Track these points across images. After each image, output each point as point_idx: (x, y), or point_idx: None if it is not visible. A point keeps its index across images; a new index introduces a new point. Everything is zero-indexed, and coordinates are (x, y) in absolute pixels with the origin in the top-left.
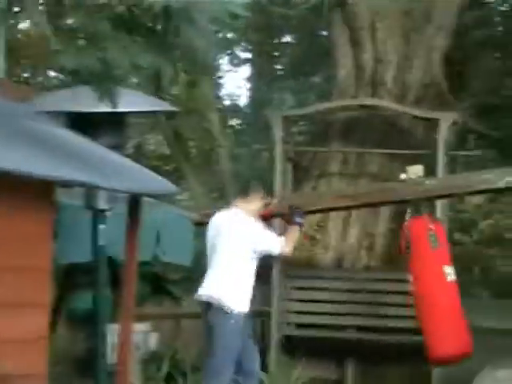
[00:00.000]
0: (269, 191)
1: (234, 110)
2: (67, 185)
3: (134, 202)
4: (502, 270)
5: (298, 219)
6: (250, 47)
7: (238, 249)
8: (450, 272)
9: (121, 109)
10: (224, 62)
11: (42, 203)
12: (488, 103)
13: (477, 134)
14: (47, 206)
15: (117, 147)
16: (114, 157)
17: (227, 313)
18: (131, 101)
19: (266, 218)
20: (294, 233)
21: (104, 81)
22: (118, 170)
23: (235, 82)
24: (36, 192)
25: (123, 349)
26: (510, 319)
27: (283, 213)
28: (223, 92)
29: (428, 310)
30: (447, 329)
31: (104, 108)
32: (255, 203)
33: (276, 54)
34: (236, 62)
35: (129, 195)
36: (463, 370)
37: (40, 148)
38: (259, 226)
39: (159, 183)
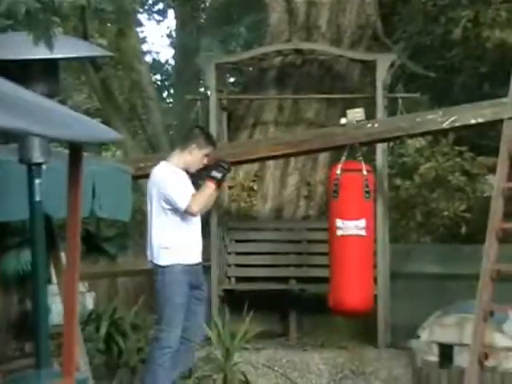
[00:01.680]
0: (210, 140)
1: (158, 65)
2: (4, 135)
3: (76, 152)
4: (444, 214)
5: (213, 173)
6: None
7: (156, 203)
8: (367, 226)
9: (54, 55)
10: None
11: None
12: (422, 44)
13: (408, 76)
14: None
15: (51, 96)
16: (53, 105)
17: (159, 267)
18: (65, 46)
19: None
20: (205, 189)
21: (40, 22)
22: (55, 118)
23: (157, 34)
24: None
25: (69, 309)
26: (453, 264)
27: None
28: (146, 47)
29: (346, 260)
30: (358, 282)
31: (37, 54)
32: (193, 154)
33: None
34: (158, 11)
35: (69, 145)
36: (409, 316)
37: None
38: (173, 178)
39: (102, 131)
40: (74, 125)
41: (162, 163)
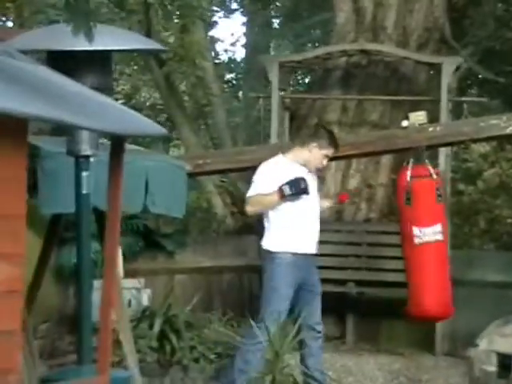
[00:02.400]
0: (333, 141)
1: (230, 63)
2: (45, 123)
3: (118, 145)
4: (508, 221)
5: (285, 187)
6: None
7: None
8: (440, 231)
9: (106, 46)
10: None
11: (15, 145)
12: (491, 49)
13: (479, 81)
14: (20, 148)
15: (101, 88)
16: (98, 97)
17: (268, 253)
18: (117, 38)
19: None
20: (269, 197)
21: (78, 12)
22: (100, 110)
23: (228, 31)
24: (7, 132)
25: (105, 306)
26: None
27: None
28: (218, 47)
29: (423, 266)
30: (431, 284)
31: (87, 46)
32: (313, 152)
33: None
34: (228, 9)
35: (111, 138)
36: (469, 324)
37: (17, 86)
38: (259, 174)
39: (146, 125)
40: (118, 118)
41: (278, 156)
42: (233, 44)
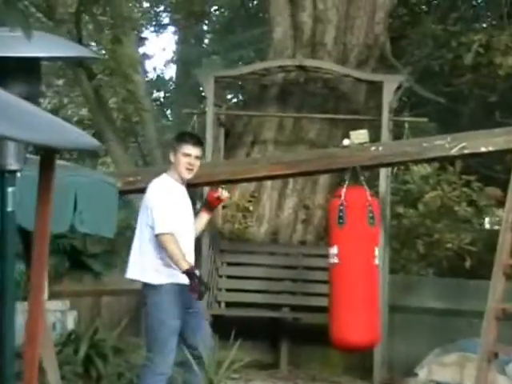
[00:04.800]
0: (180, 138)
1: (159, 80)
2: None
3: (48, 159)
4: (448, 246)
5: (193, 279)
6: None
7: (145, 219)
8: (377, 255)
9: (34, 53)
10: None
11: None
12: (430, 69)
13: (416, 102)
14: None
15: (29, 97)
16: (27, 106)
17: (150, 287)
18: (47, 44)
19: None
20: (177, 259)
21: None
22: (30, 120)
23: (158, 48)
24: None
25: (31, 329)
26: (456, 299)
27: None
28: (148, 64)
29: (347, 291)
30: (363, 315)
31: (16, 52)
32: (175, 159)
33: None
34: (159, 25)
35: (41, 151)
36: (407, 352)
37: None
38: (162, 198)
39: (79, 137)
40: (49, 129)
41: (162, 176)
42: (165, 65)
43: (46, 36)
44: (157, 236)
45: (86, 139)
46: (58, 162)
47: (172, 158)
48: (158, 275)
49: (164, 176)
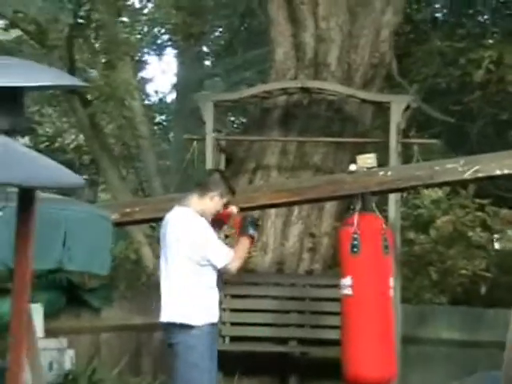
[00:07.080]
0: (230, 188)
1: (160, 104)
2: None
3: (27, 198)
4: (462, 273)
5: (251, 231)
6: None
7: (185, 254)
8: (392, 285)
9: (16, 83)
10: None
11: None
12: (437, 87)
13: (424, 121)
14: None
15: (12, 131)
16: (6, 143)
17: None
18: (30, 73)
19: (223, 221)
20: (245, 246)
21: None
22: (6, 158)
23: (159, 71)
24: None
25: (14, 376)
26: (472, 329)
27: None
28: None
29: (362, 324)
30: (378, 349)
31: None
32: (214, 201)
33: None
34: (159, 44)
35: (20, 190)
36: None
37: None
38: (208, 229)
39: (61, 175)
40: (28, 167)
41: (184, 209)
42: (171, 89)
43: (29, 64)
44: (223, 269)
45: (68, 177)
46: (48, 196)
47: (208, 199)
48: (201, 315)
49: (186, 210)
